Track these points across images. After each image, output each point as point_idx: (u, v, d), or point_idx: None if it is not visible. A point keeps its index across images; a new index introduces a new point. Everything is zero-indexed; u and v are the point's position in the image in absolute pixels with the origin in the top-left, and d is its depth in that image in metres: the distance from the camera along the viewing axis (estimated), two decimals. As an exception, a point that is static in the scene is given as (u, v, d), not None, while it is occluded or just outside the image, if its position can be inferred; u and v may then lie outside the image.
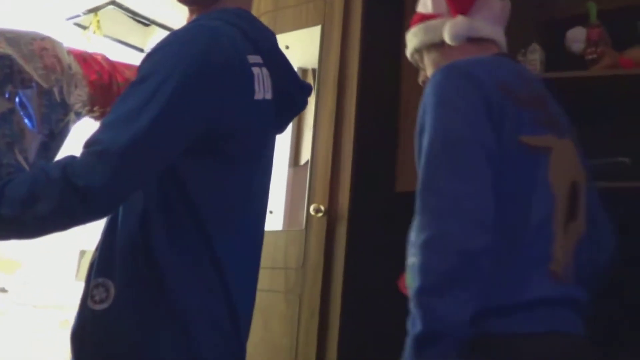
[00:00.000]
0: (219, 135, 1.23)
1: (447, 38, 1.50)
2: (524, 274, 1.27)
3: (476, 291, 1.18)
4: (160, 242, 1.21)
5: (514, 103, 1.32)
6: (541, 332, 1.25)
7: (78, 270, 4.07)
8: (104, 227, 1.28)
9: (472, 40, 1.51)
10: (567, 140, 1.41)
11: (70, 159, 1.10)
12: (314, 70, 3.02)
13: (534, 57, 2.60)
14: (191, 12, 1.41)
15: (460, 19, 1.50)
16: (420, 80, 1.63)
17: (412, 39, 1.60)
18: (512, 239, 1.27)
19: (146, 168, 1.16)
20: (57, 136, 1.29)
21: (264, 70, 1.33)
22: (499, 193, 1.24)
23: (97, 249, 1.28)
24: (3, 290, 4.16)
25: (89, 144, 1.10)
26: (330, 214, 2.73)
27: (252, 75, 1.28)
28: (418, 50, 1.60)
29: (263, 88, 1.31)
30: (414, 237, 1.24)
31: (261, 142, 1.36)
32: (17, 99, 1.22)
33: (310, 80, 2.99)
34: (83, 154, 1.09)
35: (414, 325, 1.17)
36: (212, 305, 1.24)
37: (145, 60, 1.21)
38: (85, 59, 1.43)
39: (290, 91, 1.46)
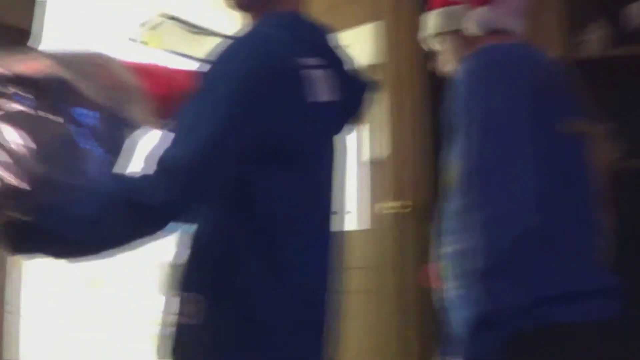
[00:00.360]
0: (276, 141, 1.23)
1: (472, 28, 1.50)
2: (577, 262, 1.27)
3: (533, 274, 1.18)
4: (231, 252, 1.22)
5: (550, 88, 1.32)
6: (597, 321, 1.26)
7: (160, 284, 4.12)
8: (181, 240, 1.30)
9: (493, 31, 1.51)
10: (598, 126, 1.42)
11: (137, 177, 1.13)
12: (373, 66, 3.00)
13: (596, 35, 2.53)
14: (248, 17, 1.42)
15: (484, 9, 1.50)
16: (434, 64, 1.66)
17: (432, 22, 1.61)
18: (564, 226, 1.26)
19: (208, 181, 1.17)
20: (117, 153, 1.30)
21: (322, 72, 1.32)
22: (546, 177, 1.23)
23: (176, 262, 1.31)
24: (91, 308, 4.25)
25: (156, 162, 1.13)
26: (415, 210, 2.70)
27: (305, 78, 1.27)
28: (435, 35, 1.61)
29: (320, 90, 1.30)
30: (459, 222, 1.24)
31: (320, 144, 1.36)
32: (73, 120, 1.23)
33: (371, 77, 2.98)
34: (149, 172, 1.12)
35: (477, 304, 1.18)
36: (290, 312, 1.24)
37: (203, 73, 1.25)
38: (142, 72, 1.43)
39: (354, 90, 1.45)
